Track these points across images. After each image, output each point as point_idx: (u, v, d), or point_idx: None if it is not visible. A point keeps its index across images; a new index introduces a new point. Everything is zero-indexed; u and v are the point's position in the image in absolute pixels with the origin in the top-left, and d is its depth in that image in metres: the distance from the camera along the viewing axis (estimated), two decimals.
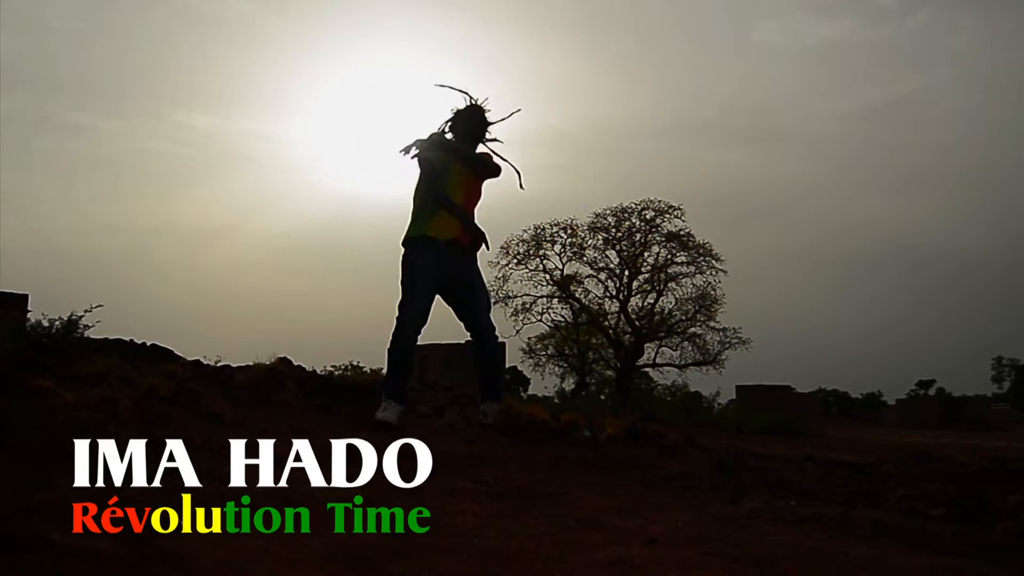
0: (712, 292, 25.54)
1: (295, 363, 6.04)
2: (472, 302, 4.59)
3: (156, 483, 2.26)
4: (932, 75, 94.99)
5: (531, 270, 25.95)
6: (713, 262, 25.38)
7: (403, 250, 4.49)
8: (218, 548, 1.66)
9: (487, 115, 4.72)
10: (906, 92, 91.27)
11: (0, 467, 2.12)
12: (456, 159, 4.57)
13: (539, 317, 26.42)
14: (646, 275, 25.92)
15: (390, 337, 4.37)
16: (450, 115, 4.73)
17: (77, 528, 1.63)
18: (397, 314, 4.37)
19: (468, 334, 4.73)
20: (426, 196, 4.52)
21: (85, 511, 1.70)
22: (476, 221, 4.59)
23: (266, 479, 2.56)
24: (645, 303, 26.20)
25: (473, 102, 4.72)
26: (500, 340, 4.85)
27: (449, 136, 4.69)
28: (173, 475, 2.39)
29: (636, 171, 69.33)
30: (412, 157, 4.55)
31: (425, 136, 4.63)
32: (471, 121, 4.68)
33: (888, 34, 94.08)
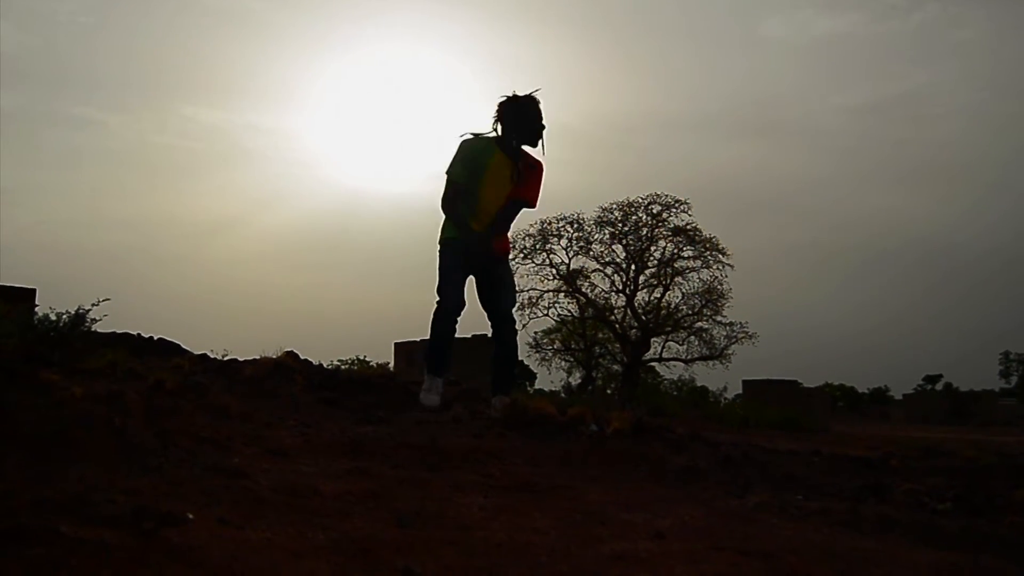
0: (719, 286, 25.51)
1: (302, 357, 6.05)
2: (495, 292, 4.76)
3: (163, 475, 2.26)
4: (937, 69, 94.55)
5: (537, 264, 25.96)
6: (720, 256, 25.34)
7: (439, 246, 4.74)
8: (224, 540, 1.66)
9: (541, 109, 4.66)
10: (912, 86, 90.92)
11: (8, 460, 2.12)
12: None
13: (546, 311, 26.44)
14: (652, 269, 25.88)
15: (431, 317, 4.65)
16: (502, 107, 4.67)
17: (84, 521, 1.64)
18: (437, 298, 4.64)
19: (489, 325, 4.89)
20: (444, 200, 4.68)
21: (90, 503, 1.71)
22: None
23: (271, 471, 2.57)
24: (652, 297, 26.17)
25: (532, 96, 4.66)
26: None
27: (495, 130, 4.71)
28: (179, 467, 2.40)
29: (642, 165, 69.29)
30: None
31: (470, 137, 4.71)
32: (527, 115, 4.64)
33: (894, 29, 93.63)
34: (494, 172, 4.62)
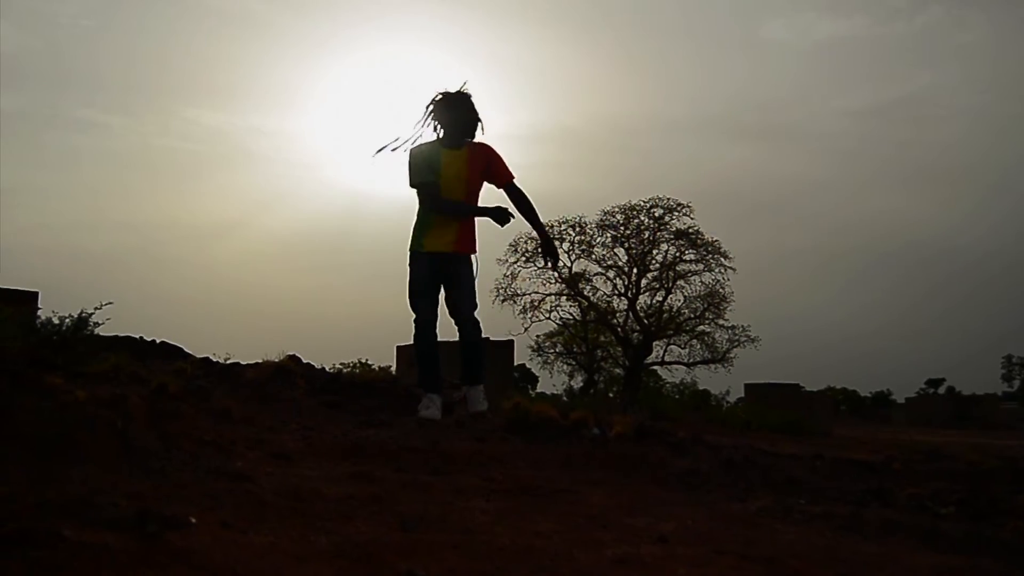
0: (721, 290, 25.47)
1: (304, 360, 6.05)
2: (454, 294, 4.82)
3: (165, 479, 2.27)
4: (940, 72, 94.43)
5: (539, 268, 25.94)
6: (722, 260, 25.32)
7: (408, 255, 4.84)
8: (227, 544, 1.66)
9: (473, 101, 4.82)
10: (914, 89, 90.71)
11: (12, 463, 2.13)
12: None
13: (547, 315, 26.42)
14: (655, 273, 25.86)
15: (412, 335, 4.79)
16: (431, 106, 4.81)
17: (87, 524, 1.64)
18: (412, 314, 4.77)
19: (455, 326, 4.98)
20: (427, 208, 4.78)
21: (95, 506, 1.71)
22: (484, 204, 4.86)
23: (274, 475, 2.57)
24: (654, 301, 26.14)
25: (461, 90, 4.81)
26: (483, 332, 5.04)
27: (432, 130, 4.83)
28: (182, 471, 2.40)
29: (644, 168, 69.23)
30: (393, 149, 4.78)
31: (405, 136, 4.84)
32: (458, 109, 4.78)
33: (897, 31, 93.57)
34: (447, 170, 4.75)
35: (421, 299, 4.75)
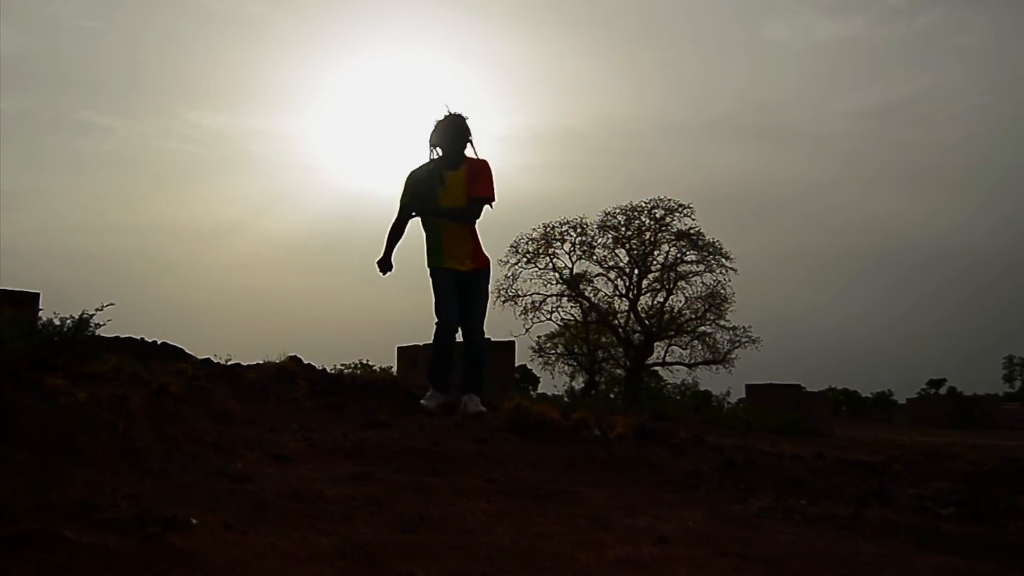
0: (722, 291, 25.53)
1: (305, 362, 6.06)
2: (468, 307, 5.18)
3: (167, 480, 2.27)
4: (941, 74, 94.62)
5: (541, 269, 26.01)
6: (723, 260, 25.36)
7: (429, 270, 5.21)
8: (228, 545, 1.66)
9: (467, 122, 5.18)
10: (915, 90, 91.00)
11: (13, 465, 2.13)
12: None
13: (549, 316, 26.46)
14: (656, 274, 25.90)
15: (432, 335, 5.11)
16: (431, 129, 5.19)
17: (88, 525, 1.64)
18: (435, 319, 5.10)
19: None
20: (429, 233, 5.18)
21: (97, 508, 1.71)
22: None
23: (275, 476, 2.57)
24: (655, 302, 26.20)
25: (451, 113, 5.18)
26: (487, 339, 5.39)
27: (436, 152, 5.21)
28: (183, 472, 2.40)
29: (645, 169, 69.44)
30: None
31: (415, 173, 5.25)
32: (451, 131, 5.15)
33: (898, 32, 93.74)
34: (447, 190, 5.10)
35: (447, 303, 5.07)
